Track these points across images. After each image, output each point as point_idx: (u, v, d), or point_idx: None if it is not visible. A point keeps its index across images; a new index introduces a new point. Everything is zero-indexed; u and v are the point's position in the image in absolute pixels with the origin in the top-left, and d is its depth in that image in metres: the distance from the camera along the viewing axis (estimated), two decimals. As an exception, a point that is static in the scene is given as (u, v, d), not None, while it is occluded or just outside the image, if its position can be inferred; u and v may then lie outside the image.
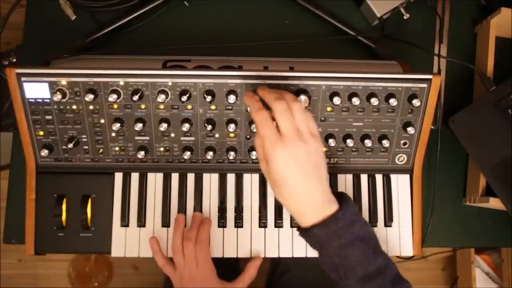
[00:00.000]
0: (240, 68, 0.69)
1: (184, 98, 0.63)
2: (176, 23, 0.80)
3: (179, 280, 0.67)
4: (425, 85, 0.66)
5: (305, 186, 0.53)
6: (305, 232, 0.56)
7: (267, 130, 0.53)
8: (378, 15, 0.78)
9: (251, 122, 0.66)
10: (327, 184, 0.56)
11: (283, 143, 0.52)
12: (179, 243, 0.67)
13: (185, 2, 0.79)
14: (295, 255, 0.69)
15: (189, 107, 0.65)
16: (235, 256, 0.69)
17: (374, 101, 0.65)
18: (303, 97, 0.64)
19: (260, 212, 0.70)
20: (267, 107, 0.54)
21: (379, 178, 0.72)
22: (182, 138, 0.67)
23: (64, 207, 0.67)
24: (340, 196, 0.58)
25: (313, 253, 0.59)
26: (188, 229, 0.68)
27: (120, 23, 0.75)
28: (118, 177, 0.69)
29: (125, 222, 0.68)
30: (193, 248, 0.66)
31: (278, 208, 0.70)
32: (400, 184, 0.72)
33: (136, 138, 0.66)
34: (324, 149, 0.69)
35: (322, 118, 0.67)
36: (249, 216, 0.69)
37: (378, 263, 0.56)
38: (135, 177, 0.69)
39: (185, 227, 0.69)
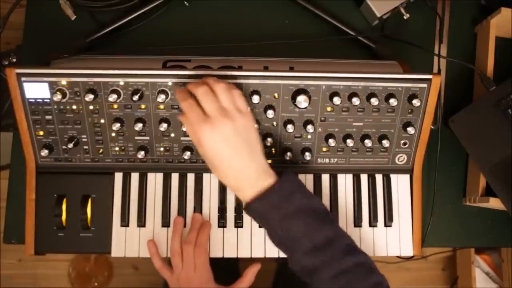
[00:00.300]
0: (240, 68, 0.69)
1: (184, 98, 0.63)
2: (176, 23, 0.80)
3: (176, 283, 0.68)
4: (425, 85, 0.66)
5: (238, 162, 0.55)
6: (246, 207, 0.57)
7: (193, 114, 0.55)
8: (378, 15, 0.78)
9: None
10: (262, 158, 0.57)
11: (209, 123, 0.54)
12: (178, 246, 0.67)
13: (185, 2, 0.79)
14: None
15: (189, 107, 0.65)
16: (235, 256, 0.68)
17: (374, 101, 0.65)
18: (303, 97, 0.64)
19: (260, 212, 0.70)
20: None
21: (379, 178, 0.72)
22: (182, 138, 0.67)
23: (64, 207, 0.67)
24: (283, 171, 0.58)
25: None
26: (188, 232, 0.68)
27: (120, 23, 0.75)
28: (118, 177, 0.69)
29: (125, 222, 0.68)
30: (192, 251, 0.66)
31: (278, 208, 0.70)
32: (400, 184, 0.72)
33: (136, 138, 0.66)
34: (324, 149, 0.69)
35: (322, 118, 0.67)
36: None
37: (325, 233, 0.55)
38: (135, 177, 0.69)
39: (185, 227, 0.69)
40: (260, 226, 0.60)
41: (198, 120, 0.54)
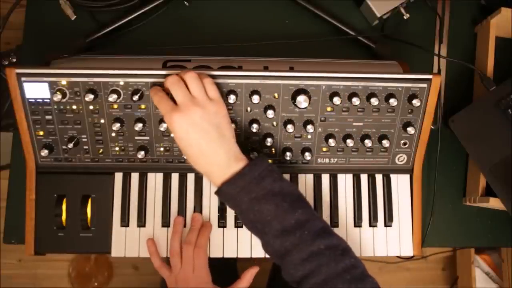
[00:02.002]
0: (240, 68, 0.69)
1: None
2: (176, 23, 0.80)
3: (174, 283, 0.68)
4: (425, 85, 0.66)
5: (208, 147, 0.57)
6: (217, 191, 0.58)
7: (163, 104, 0.57)
8: (378, 15, 0.78)
9: (251, 122, 0.66)
10: (233, 143, 0.59)
11: (178, 111, 0.56)
12: (177, 246, 0.67)
13: (185, 2, 0.79)
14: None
15: (189, 107, 0.65)
16: (235, 256, 0.69)
17: (374, 101, 0.65)
18: (303, 97, 0.64)
19: (260, 212, 0.70)
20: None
21: (379, 178, 0.72)
22: (182, 138, 0.67)
23: (64, 207, 0.67)
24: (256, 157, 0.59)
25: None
26: (188, 232, 0.68)
27: (120, 23, 0.75)
28: (118, 177, 0.69)
29: (125, 222, 0.68)
30: (192, 252, 0.66)
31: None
32: (400, 184, 0.72)
33: (136, 138, 0.66)
34: (324, 149, 0.69)
35: (322, 118, 0.67)
36: (249, 216, 0.69)
37: (296, 216, 0.55)
38: (135, 177, 0.69)
39: (185, 227, 0.69)
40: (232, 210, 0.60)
41: (168, 110, 0.57)
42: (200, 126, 0.56)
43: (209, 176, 0.59)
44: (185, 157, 0.61)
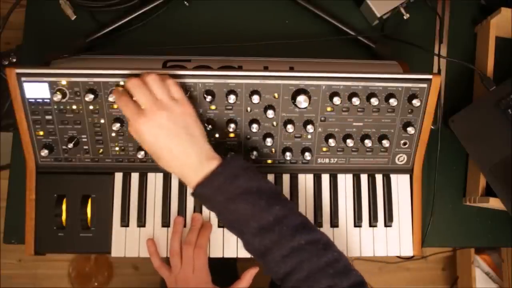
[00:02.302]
0: (240, 68, 0.69)
1: (184, 98, 0.63)
2: (176, 23, 0.80)
3: (174, 283, 0.68)
4: (425, 85, 0.66)
5: (178, 150, 0.56)
6: (192, 193, 0.57)
7: (128, 110, 0.56)
8: (378, 15, 0.78)
9: (251, 122, 0.66)
10: (204, 142, 0.58)
11: (144, 116, 0.55)
12: (177, 246, 0.67)
13: (185, 2, 0.79)
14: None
15: (189, 107, 0.65)
16: (235, 256, 0.68)
17: (374, 101, 0.65)
18: (303, 97, 0.64)
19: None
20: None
21: (379, 178, 0.72)
22: (182, 138, 0.67)
23: (64, 207, 0.67)
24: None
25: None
26: (188, 232, 0.68)
27: (120, 23, 0.75)
28: (118, 177, 0.69)
29: (125, 222, 0.68)
30: (192, 252, 0.66)
31: (278, 208, 0.70)
32: (400, 184, 0.72)
33: (136, 138, 0.66)
34: (324, 149, 0.69)
35: (322, 118, 0.67)
36: (249, 216, 0.69)
37: (274, 213, 0.55)
38: (135, 177, 0.69)
39: (185, 227, 0.69)
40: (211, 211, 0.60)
41: (133, 114, 0.55)
42: (168, 129, 0.55)
43: (183, 178, 0.58)
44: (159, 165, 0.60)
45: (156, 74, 0.57)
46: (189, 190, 0.59)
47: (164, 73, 0.62)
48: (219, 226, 0.69)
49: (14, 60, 0.75)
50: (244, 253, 0.68)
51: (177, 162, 0.56)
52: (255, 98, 0.64)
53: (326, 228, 0.70)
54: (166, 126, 0.55)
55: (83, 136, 0.66)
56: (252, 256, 0.59)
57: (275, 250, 0.54)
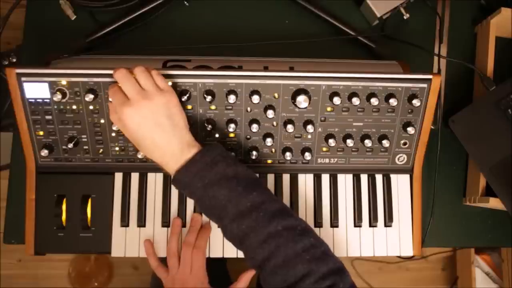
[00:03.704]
0: (240, 68, 0.69)
1: (184, 98, 0.63)
2: (176, 23, 0.80)
3: (171, 283, 0.68)
4: (425, 85, 0.66)
5: (161, 138, 0.57)
6: (172, 180, 0.58)
7: (115, 98, 0.58)
8: (378, 15, 0.78)
9: (251, 122, 0.66)
10: (186, 132, 0.59)
11: (129, 105, 0.56)
12: (175, 247, 0.67)
13: (185, 2, 0.79)
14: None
15: (189, 107, 0.65)
16: (235, 256, 0.68)
17: (374, 101, 0.65)
18: (303, 97, 0.64)
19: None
20: None
21: (379, 178, 0.72)
22: (182, 138, 0.67)
23: (64, 207, 0.67)
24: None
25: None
26: (187, 232, 0.68)
27: (120, 23, 0.75)
28: (118, 177, 0.69)
29: (125, 222, 0.68)
30: (190, 253, 0.66)
31: (278, 208, 0.70)
32: (400, 184, 0.72)
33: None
34: (324, 149, 0.69)
35: (322, 118, 0.67)
36: (249, 216, 0.69)
37: (251, 199, 0.55)
38: (135, 177, 0.69)
39: (184, 227, 0.69)
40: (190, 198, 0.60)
41: (120, 104, 0.57)
42: (152, 118, 0.56)
43: (164, 166, 0.59)
44: (140, 153, 0.63)
45: (142, 65, 0.59)
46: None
47: (164, 73, 0.62)
48: (219, 226, 0.69)
49: (14, 60, 0.75)
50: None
51: (158, 151, 0.58)
52: (255, 98, 0.64)
53: (326, 228, 0.70)
54: (149, 115, 0.56)
55: (83, 136, 0.66)
56: (230, 242, 0.59)
57: (252, 235, 0.54)
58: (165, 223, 0.69)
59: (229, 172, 0.56)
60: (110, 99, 0.60)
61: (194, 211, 0.69)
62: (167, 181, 0.69)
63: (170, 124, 0.57)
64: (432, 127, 0.72)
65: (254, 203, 0.55)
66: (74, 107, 0.64)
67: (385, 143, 0.68)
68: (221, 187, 0.55)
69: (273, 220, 0.54)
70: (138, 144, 0.59)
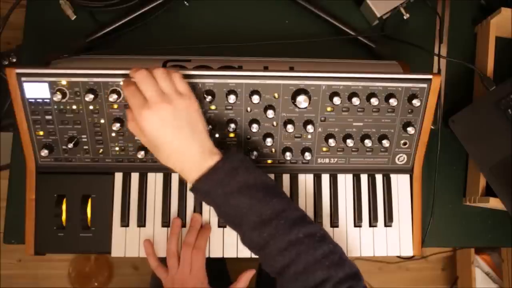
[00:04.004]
0: (240, 68, 0.69)
1: (184, 98, 0.63)
2: (176, 23, 0.80)
3: (170, 283, 0.68)
4: (425, 85, 0.66)
5: (180, 144, 0.55)
6: (191, 188, 0.57)
7: (133, 100, 0.55)
8: (378, 15, 0.78)
9: (251, 122, 0.66)
10: (206, 138, 0.58)
11: (148, 108, 0.54)
12: (175, 247, 0.67)
13: (185, 2, 0.79)
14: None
15: (189, 107, 0.65)
16: (235, 256, 0.69)
17: (374, 101, 0.65)
18: (303, 97, 0.64)
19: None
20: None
21: (379, 178, 0.72)
22: (182, 138, 0.67)
23: (64, 207, 0.67)
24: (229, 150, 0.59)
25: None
26: (187, 232, 0.68)
27: (120, 23, 0.75)
28: (118, 177, 0.69)
29: (125, 222, 0.68)
30: (190, 253, 0.66)
31: (278, 208, 0.70)
32: (400, 184, 0.72)
33: (136, 138, 0.66)
34: (324, 149, 0.69)
35: (322, 118, 0.67)
36: (249, 216, 0.69)
37: (272, 207, 0.55)
38: (135, 177, 0.69)
39: (184, 227, 0.69)
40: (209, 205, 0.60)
41: (138, 106, 0.55)
42: (171, 122, 0.55)
43: (182, 173, 0.58)
44: (157, 159, 0.59)
45: (163, 68, 0.57)
46: (189, 186, 0.59)
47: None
48: (219, 226, 0.69)
49: (14, 60, 0.75)
50: (243, 254, 0.68)
51: (177, 157, 0.56)
52: (255, 98, 0.64)
53: (326, 228, 0.70)
54: (168, 120, 0.55)
55: (83, 136, 0.66)
56: (249, 249, 0.59)
57: (272, 243, 0.54)
58: (165, 223, 0.69)
59: (250, 180, 0.56)
60: (126, 99, 0.58)
61: (194, 211, 0.69)
62: (167, 181, 0.69)
63: (190, 129, 0.56)
64: (432, 127, 0.72)
65: (275, 211, 0.55)
66: (74, 107, 0.64)
67: (385, 143, 0.68)
68: (242, 195, 0.55)
69: (293, 228, 0.54)
70: (157, 150, 0.57)
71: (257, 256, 0.68)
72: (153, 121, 0.54)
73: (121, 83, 0.62)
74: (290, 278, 0.53)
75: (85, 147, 0.66)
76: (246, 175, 0.56)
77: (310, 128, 0.66)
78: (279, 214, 0.55)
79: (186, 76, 0.63)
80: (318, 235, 0.55)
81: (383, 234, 0.71)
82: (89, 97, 0.62)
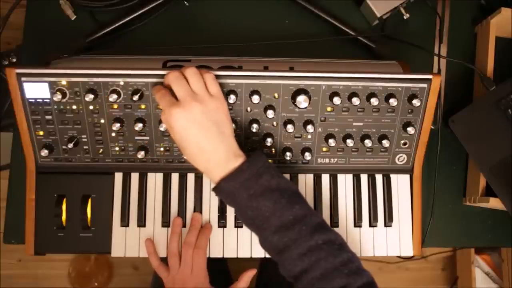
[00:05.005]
0: (240, 68, 0.69)
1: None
2: (176, 23, 0.80)
3: (171, 283, 0.68)
4: (425, 85, 0.66)
5: (207, 144, 0.56)
6: (215, 188, 0.58)
7: (164, 100, 0.57)
8: (378, 15, 0.78)
9: (251, 122, 0.66)
10: (232, 140, 0.59)
11: (178, 106, 0.55)
12: (175, 247, 0.67)
13: (185, 2, 0.79)
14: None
15: (189, 107, 0.65)
16: (235, 256, 0.69)
17: (374, 101, 0.65)
18: (303, 97, 0.64)
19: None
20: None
21: (379, 178, 0.72)
22: (182, 138, 0.67)
23: (64, 207, 0.67)
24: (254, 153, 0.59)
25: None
26: (188, 231, 0.68)
27: (120, 23, 0.75)
28: (118, 177, 0.69)
29: (125, 222, 0.68)
30: (191, 253, 0.66)
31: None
32: (400, 184, 0.72)
33: (136, 138, 0.66)
34: (324, 149, 0.69)
35: (322, 118, 0.67)
36: (249, 216, 0.69)
37: (294, 212, 0.55)
38: (135, 177, 0.69)
39: (185, 227, 0.69)
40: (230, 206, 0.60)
41: (169, 105, 0.56)
42: (200, 122, 0.56)
43: (207, 173, 0.58)
44: (184, 157, 0.60)
45: (195, 68, 0.58)
46: (212, 186, 0.59)
47: (164, 73, 0.62)
48: (219, 226, 0.69)
49: (14, 60, 0.75)
50: (243, 254, 0.68)
51: (203, 156, 0.57)
52: (255, 98, 0.64)
53: (326, 228, 0.70)
54: (198, 119, 0.56)
55: (83, 136, 0.66)
56: (267, 252, 0.60)
57: (293, 248, 0.54)
58: (165, 223, 0.69)
59: (273, 184, 0.56)
60: (158, 101, 0.60)
61: (194, 210, 0.69)
62: (167, 181, 0.69)
63: (218, 130, 0.57)
64: (432, 127, 0.72)
65: (297, 216, 0.55)
66: (74, 107, 0.64)
67: (385, 143, 0.68)
68: (265, 199, 0.55)
69: (314, 234, 0.55)
70: (183, 148, 0.58)
71: (257, 256, 0.68)
72: (182, 119, 0.55)
73: (121, 83, 0.62)
74: (308, 283, 0.54)
75: (85, 147, 0.66)
76: (270, 178, 0.56)
77: (310, 128, 0.66)
78: (301, 219, 0.55)
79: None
80: (337, 243, 0.56)
81: (383, 234, 0.71)
82: (89, 97, 0.62)
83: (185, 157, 0.59)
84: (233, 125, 0.65)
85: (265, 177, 0.56)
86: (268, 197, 0.55)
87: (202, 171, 0.59)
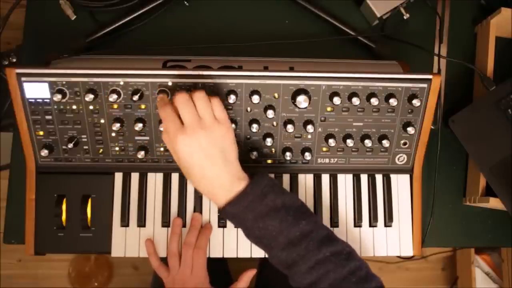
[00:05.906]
0: (240, 68, 0.69)
1: (184, 98, 0.63)
2: (176, 23, 0.80)
3: (171, 283, 0.68)
4: (425, 85, 0.66)
5: (211, 171, 0.56)
6: (220, 211, 0.58)
7: (169, 123, 0.56)
8: (378, 15, 0.78)
9: (251, 122, 0.66)
10: (237, 165, 0.59)
11: (183, 132, 0.55)
12: (175, 247, 0.67)
13: (185, 2, 0.79)
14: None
15: (189, 107, 0.65)
16: (235, 256, 0.69)
17: (374, 101, 0.65)
18: (303, 97, 0.64)
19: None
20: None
21: (379, 178, 0.72)
22: (182, 138, 0.67)
23: (64, 207, 0.67)
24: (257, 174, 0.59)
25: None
26: (188, 231, 0.68)
27: (120, 23, 0.75)
28: (118, 177, 0.69)
29: (125, 222, 0.68)
30: (191, 253, 0.67)
31: (278, 208, 0.70)
32: (400, 184, 0.72)
33: (136, 138, 0.66)
34: (324, 149, 0.69)
35: (322, 118, 0.67)
36: (249, 216, 0.69)
37: (300, 228, 0.56)
38: (135, 177, 0.69)
39: (185, 227, 0.69)
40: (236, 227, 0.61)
41: (174, 129, 0.56)
42: (205, 149, 0.56)
43: (211, 197, 0.59)
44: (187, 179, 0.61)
45: (203, 92, 0.57)
46: (217, 210, 0.59)
47: (164, 73, 0.62)
48: (219, 226, 0.69)
49: (14, 60, 0.75)
50: (243, 254, 0.68)
51: (206, 182, 0.57)
52: (255, 98, 0.64)
53: (326, 228, 0.70)
54: (203, 146, 0.55)
55: (83, 136, 0.66)
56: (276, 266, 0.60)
57: (302, 263, 0.55)
58: (165, 223, 0.69)
59: (278, 203, 0.57)
60: (161, 118, 0.59)
61: (194, 210, 0.69)
62: (167, 181, 0.69)
63: (222, 157, 0.57)
64: (432, 127, 0.72)
65: (304, 232, 0.56)
66: (74, 107, 0.64)
67: (385, 143, 0.68)
68: (271, 218, 0.56)
69: (322, 247, 0.55)
70: (187, 173, 0.58)
71: (257, 256, 0.68)
72: (187, 146, 0.55)
73: (121, 83, 0.62)
74: None
75: (85, 147, 0.66)
76: (274, 198, 0.57)
77: (310, 128, 0.66)
78: (307, 234, 0.56)
79: (186, 76, 0.63)
80: (344, 253, 0.57)
81: (383, 234, 0.71)
82: (89, 97, 0.62)
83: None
84: (233, 125, 0.65)
85: (269, 197, 0.56)
86: (274, 216, 0.56)
87: (205, 195, 0.60)
